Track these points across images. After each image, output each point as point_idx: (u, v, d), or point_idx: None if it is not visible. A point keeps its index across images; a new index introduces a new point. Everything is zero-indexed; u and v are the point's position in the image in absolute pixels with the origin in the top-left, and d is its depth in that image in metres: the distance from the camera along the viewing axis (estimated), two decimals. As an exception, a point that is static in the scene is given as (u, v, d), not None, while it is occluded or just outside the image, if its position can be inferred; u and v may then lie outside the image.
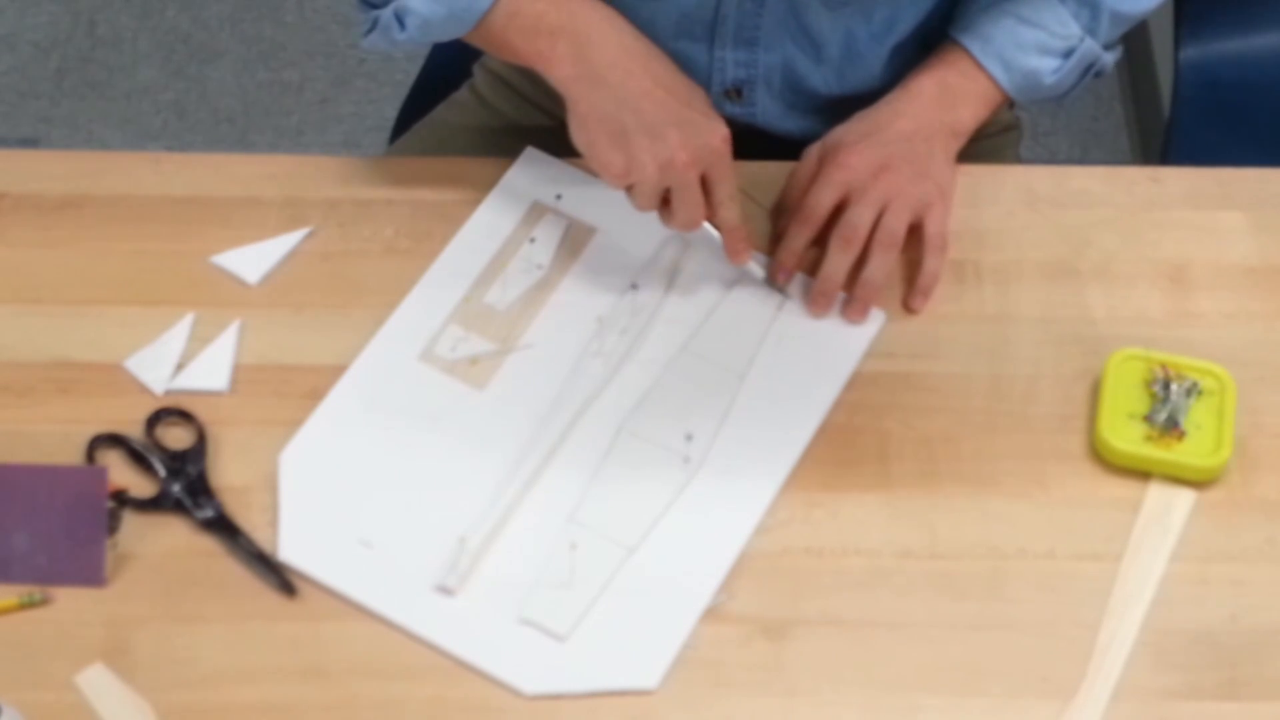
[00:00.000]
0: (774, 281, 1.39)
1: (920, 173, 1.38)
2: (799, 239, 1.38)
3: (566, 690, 1.19)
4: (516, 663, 1.20)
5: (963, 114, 1.43)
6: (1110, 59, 1.47)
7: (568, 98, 1.33)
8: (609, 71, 1.32)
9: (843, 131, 1.41)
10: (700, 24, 1.45)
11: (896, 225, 1.37)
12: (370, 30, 1.42)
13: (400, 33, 1.40)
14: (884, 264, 1.36)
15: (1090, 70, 1.46)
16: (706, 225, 1.36)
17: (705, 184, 1.33)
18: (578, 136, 1.33)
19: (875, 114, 1.42)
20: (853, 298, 1.37)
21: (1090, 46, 1.44)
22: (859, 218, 1.36)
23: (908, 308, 1.38)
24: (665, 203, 1.34)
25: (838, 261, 1.36)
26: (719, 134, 1.32)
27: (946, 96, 1.42)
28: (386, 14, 1.40)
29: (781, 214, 1.42)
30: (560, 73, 1.34)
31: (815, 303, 1.37)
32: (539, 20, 1.34)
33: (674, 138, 1.30)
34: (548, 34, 1.34)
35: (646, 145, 1.30)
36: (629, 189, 1.33)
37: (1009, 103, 1.48)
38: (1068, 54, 1.44)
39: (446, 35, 1.39)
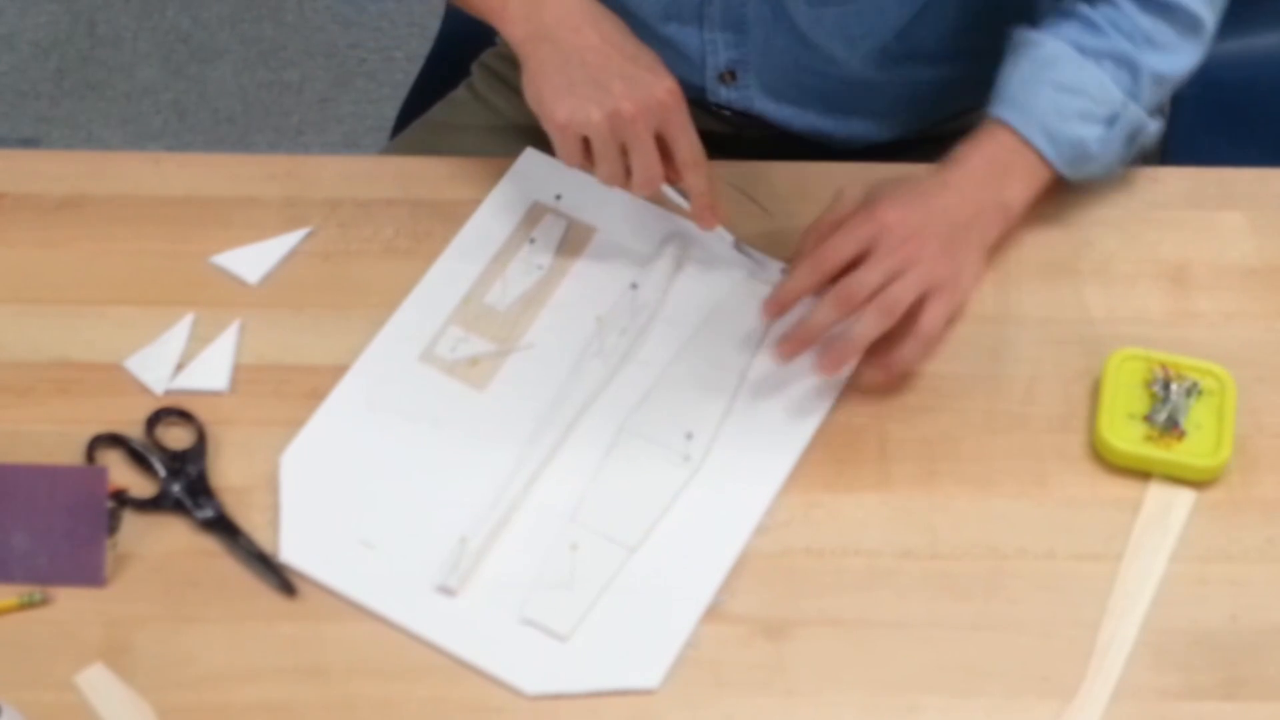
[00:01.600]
0: (769, 304, 1.36)
1: (948, 253, 1.33)
2: (805, 281, 1.33)
3: (568, 690, 1.19)
4: (518, 663, 1.20)
5: (1013, 190, 1.38)
6: (1155, 127, 1.42)
7: (520, 56, 1.35)
8: (557, 29, 1.33)
9: (890, 187, 1.35)
10: (688, 6, 1.45)
11: (902, 294, 1.30)
12: None
13: None
14: (875, 327, 1.30)
15: (1136, 138, 1.41)
16: (674, 193, 1.35)
17: (664, 144, 1.32)
18: (528, 91, 1.34)
19: (924, 182, 1.36)
20: (830, 347, 1.31)
21: (1134, 112, 1.39)
22: (865, 280, 1.30)
23: (866, 377, 1.33)
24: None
25: (826, 315, 1.31)
26: (664, 86, 1.31)
27: (995, 172, 1.37)
28: None
29: (809, 237, 1.37)
30: (513, 31, 1.35)
31: (784, 345, 1.32)
32: None
33: (618, 88, 1.30)
34: None
35: (591, 94, 1.30)
36: (591, 159, 1.32)
37: (1059, 178, 1.39)
38: (1111, 120, 1.38)
39: None
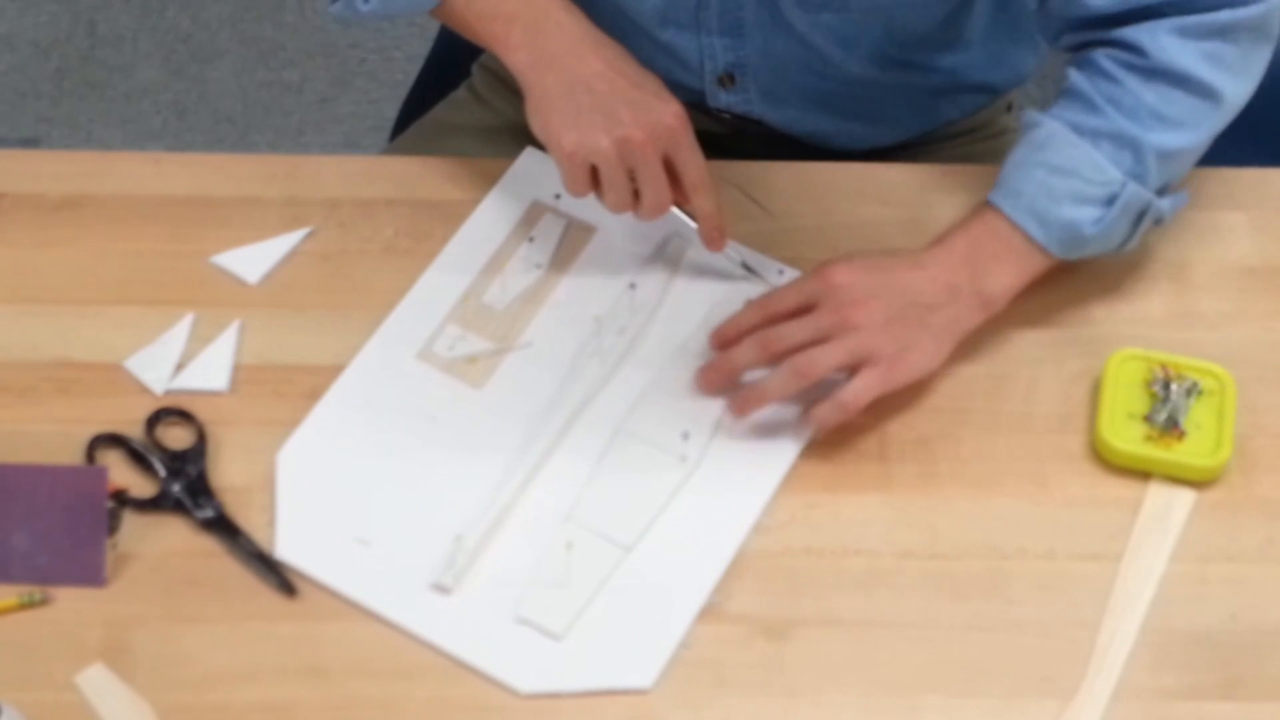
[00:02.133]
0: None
1: (895, 328, 1.29)
2: (745, 320, 1.33)
3: (561, 689, 1.19)
4: (512, 661, 1.20)
5: (995, 277, 1.33)
6: (1168, 205, 1.35)
7: (523, 84, 1.34)
8: (562, 57, 1.33)
9: (862, 255, 1.33)
10: (684, 10, 1.45)
11: (822, 358, 1.28)
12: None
13: (364, 5, 1.41)
14: (785, 385, 1.29)
15: (1144, 217, 1.34)
16: (682, 216, 1.35)
17: (671, 168, 1.32)
18: (534, 121, 1.33)
19: (898, 255, 1.34)
20: (738, 392, 1.31)
21: (1136, 192, 1.32)
22: (789, 332, 1.30)
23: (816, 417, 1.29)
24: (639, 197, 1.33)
25: (744, 355, 1.31)
26: (671, 110, 1.31)
27: (977, 258, 1.33)
28: None
29: None
30: (515, 59, 1.35)
31: (704, 373, 1.32)
32: (496, 6, 1.36)
33: (626, 114, 1.30)
34: (504, 20, 1.35)
35: (599, 121, 1.30)
36: (599, 187, 1.33)
37: (1057, 263, 1.35)
38: (1109, 201, 1.32)
39: (409, 12, 1.40)
